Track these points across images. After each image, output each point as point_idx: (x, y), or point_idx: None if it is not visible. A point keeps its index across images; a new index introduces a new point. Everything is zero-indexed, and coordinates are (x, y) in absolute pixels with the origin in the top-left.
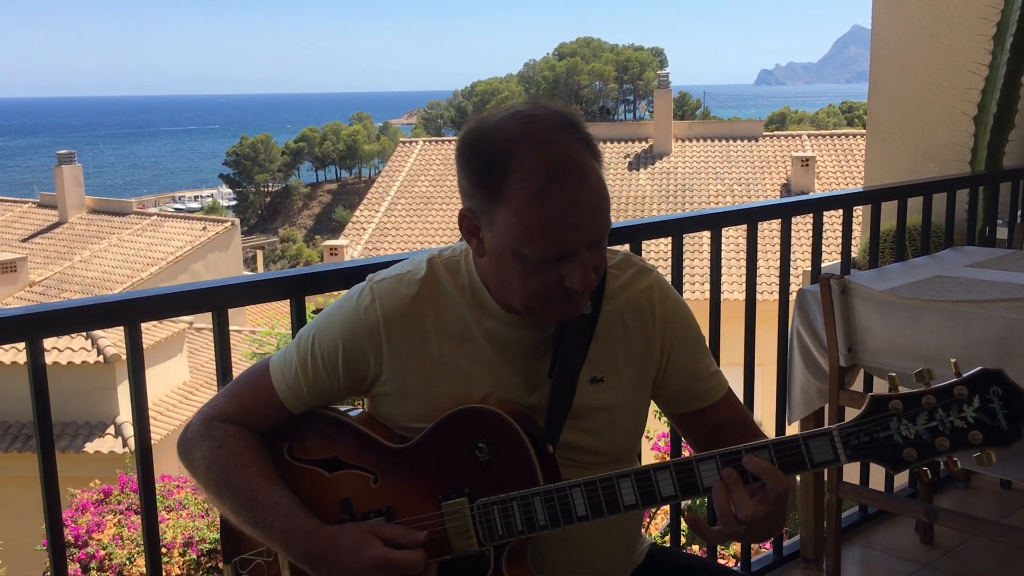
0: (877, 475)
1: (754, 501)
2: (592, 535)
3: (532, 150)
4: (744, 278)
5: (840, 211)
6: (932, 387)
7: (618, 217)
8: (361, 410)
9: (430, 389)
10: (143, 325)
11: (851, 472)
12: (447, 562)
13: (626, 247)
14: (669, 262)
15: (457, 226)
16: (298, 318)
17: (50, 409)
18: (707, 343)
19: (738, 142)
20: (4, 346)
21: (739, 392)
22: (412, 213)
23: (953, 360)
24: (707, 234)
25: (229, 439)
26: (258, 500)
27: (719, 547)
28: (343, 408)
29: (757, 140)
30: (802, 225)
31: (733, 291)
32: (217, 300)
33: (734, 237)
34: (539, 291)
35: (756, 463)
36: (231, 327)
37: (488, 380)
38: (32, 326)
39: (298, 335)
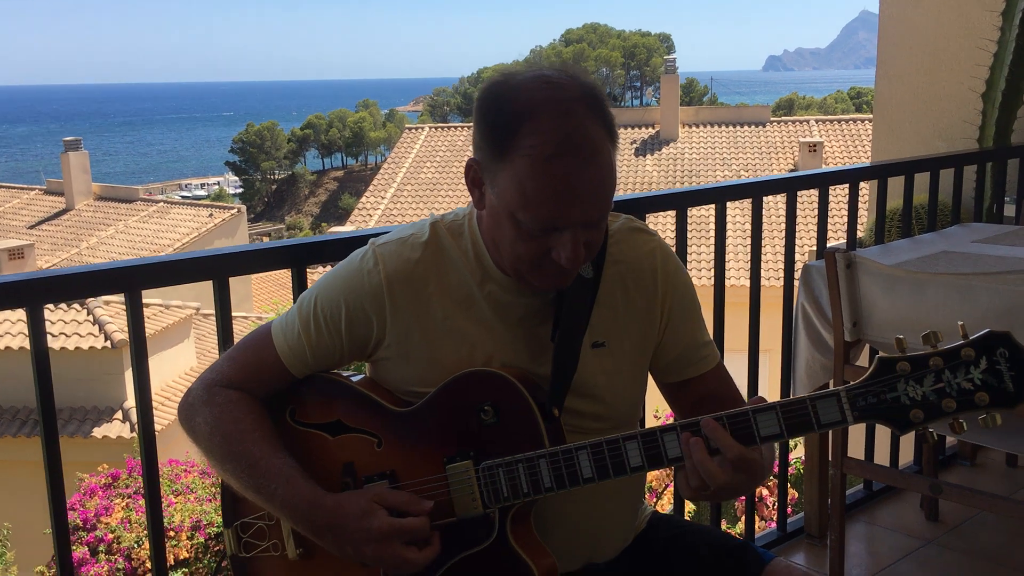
0: (881, 451)
1: (718, 467)
2: (595, 500)
3: (548, 118)
4: (749, 263)
5: (846, 190)
6: (939, 349)
7: None
8: (364, 375)
9: (433, 352)
10: (151, 311)
11: (856, 448)
12: (452, 524)
13: None
14: (673, 238)
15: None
16: (300, 288)
17: (51, 378)
18: (710, 323)
19: (745, 128)
20: (11, 332)
21: (743, 372)
22: (418, 200)
23: (960, 323)
24: (711, 218)
25: (231, 404)
26: (260, 466)
27: (723, 523)
28: (345, 373)
29: (764, 126)
30: (808, 206)
31: (739, 277)
32: (218, 268)
33: (741, 222)
34: (527, 257)
35: (712, 429)
36: (238, 313)
37: (490, 343)
38: (33, 292)
39: (300, 298)
